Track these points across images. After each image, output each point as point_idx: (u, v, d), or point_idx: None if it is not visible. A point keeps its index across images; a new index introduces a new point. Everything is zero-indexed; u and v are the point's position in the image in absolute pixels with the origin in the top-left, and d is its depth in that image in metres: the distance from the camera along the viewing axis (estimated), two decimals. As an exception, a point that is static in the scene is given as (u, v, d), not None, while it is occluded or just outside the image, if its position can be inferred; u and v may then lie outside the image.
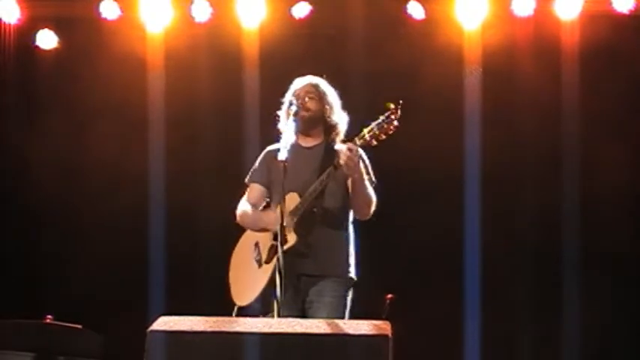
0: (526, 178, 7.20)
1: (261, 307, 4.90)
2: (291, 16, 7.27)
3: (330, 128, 5.15)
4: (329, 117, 5.13)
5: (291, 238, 4.82)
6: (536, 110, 7.12)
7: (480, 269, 6.93)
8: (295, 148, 4.87)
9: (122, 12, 7.35)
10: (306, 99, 5.09)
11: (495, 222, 7.06)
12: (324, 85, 5.21)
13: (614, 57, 7.06)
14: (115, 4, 7.33)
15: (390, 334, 3.90)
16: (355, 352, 3.86)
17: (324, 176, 4.87)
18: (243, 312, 4.98)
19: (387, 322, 4.03)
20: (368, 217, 5.04)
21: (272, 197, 5.14)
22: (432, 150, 7.06)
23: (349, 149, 4.75)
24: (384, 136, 4.78)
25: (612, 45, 6.98)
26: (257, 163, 5.22)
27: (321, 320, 4.44)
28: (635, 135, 7.15)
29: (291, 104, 5.06)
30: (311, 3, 7.24)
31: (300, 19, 7.26)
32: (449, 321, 6.91)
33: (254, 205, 5.16)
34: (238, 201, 5.31)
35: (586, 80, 6.95)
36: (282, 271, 4.47)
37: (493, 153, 7.03)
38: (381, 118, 4.79)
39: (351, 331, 3.93)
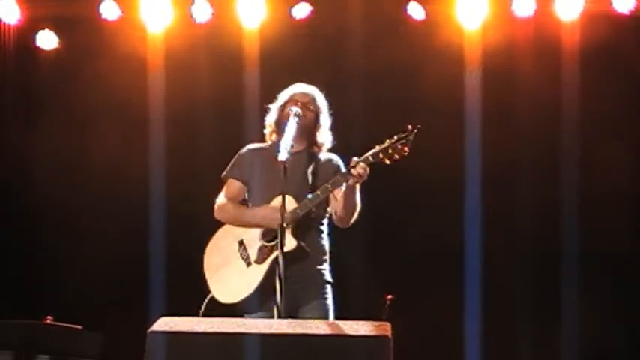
0: (526, 178, 7.20)
1: (249, 306, 4.90)
2: (291, 16, 7.27)
3: (314, 143, 5.17)
4: (318, 133, 5.16)
5: (290, 242, 4.83)
6: (537, 110, 7.13)
7: (480, 269, 6.93)
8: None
9: (122, 12, 7.35)
10: (306, 107, 5.08)
11: (495, 222, 7.06)
12: (322, 101, 5.21)
13: (614, 57, 7.06)
14: (116, 4, 7.33)
15: (390, 335, 3.90)
16: (356, 352, 3.86)
17: (329, 185, 4.87)
18: (220, 308, 4.93)
19: (388, 323, 4.04)
20: (349, 226, 5.06)
21: (251, 195, 5.13)
22: (432, 150, 7.06)
23: (360, 166, 4.77)
24: (397, 157, 4.80)
25: (612, 45, 6.99)
26: (237, 160, 5.20)
27: (321, 321, 4.46)
28: (635, 135, 7.16)
29: (287, 104, 5.08)
30: (311, 4, 7.24)
31: (301, 20, 7.27)
32: (449, 321, 6.91)
33: (232, 201, 5.14)
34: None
35: (586, 81, 6.95)
36: (283, 274, 4.48)
37: (493, 153, 7.03)
38: (396, 137, 4.81)
39: (351, 332, 3.93)
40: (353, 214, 4.99)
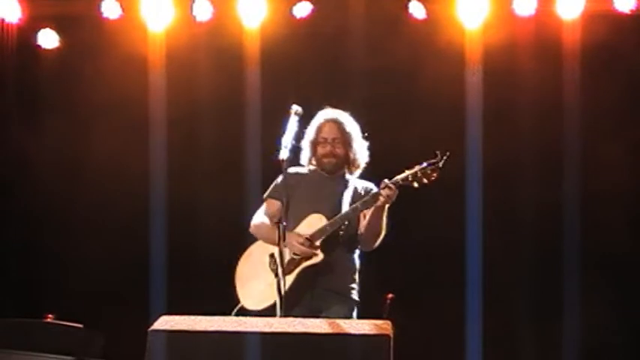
0: (527, 177, 7.20)
1: (273, 315, 4.95)
2: (292, 15, 7.26)
3: (351, 165, 5.43)
4: (354, 157, 5.41)
5: (318, 256, 5.10)
6: (538, 110, 7.12)
7: (482, 268, 6.92)
8: (317, 174, 5.34)
9: (123, 11, 7.34)
10: (334, 145, 5.35)
11: (497, 221, 7.05)
12: (349, 123, 5.42)
13: (615, 56, 7.05)
14: (116, 3, 7.31)
15: (390, 334, 3.90)
16: (356, 351, 3.86)
17: (359, 205, 5.14)
18: (246, 314, 5.05)
19: (388, 322, 4.04)
20: (372, 249, 5.32)
21: (289, 215, 5.23)
22: (433, 149, 7.04)
23: (389, 187, 5.05)
24: (425, 181, 5.05)
25: (613, 45, 6.98)
26: (278, 182, 5.35)
27: (322, 320, 4.47)
28: (636, 133, 7.15)
29: (318, 143, 5.37)
30: (312, 2, 7.23)
31: (302, 19, 7.26)
32: (450, 320, 6.91)
33: (270, 220, 5.34)
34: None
35: (587, 80, 6.94)
36: (282, 270, 4.68)
37: (494, 151, 7.03)
38: (425, 163, 5.06)
39: (352, 331, 3.94)
40: (377, 237, 5.25)
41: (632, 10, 6.96)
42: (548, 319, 7.03)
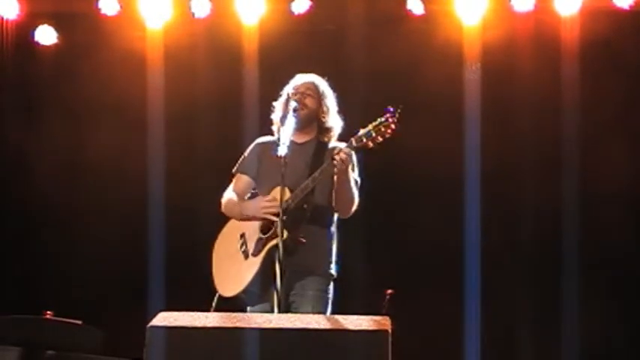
0: (526, 176, 7.20)
1: (248, 299, 4.91)
2: (290, 12, 7.27)
3: (323, 129, 5.14)
4: (324, 118, 5.12)
5: (283, 234, 4.73)
6: (536, 106, 7.12)
7: (480, 266, 6.93)
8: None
9: (121, 8, 7.35)
10: (305, 95, 5.08)
11: (495, 219, 7.06)
12: (324, 86, 5.20)
13: (614, 53, 7.05)
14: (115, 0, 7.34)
15: (389, 330, 3.90)
16: (355, 347, 3.86)
17: (317, 174, 4.84)
18: (226, 302, 4.95)
19: (387, 318, 4.03)
20: (348, 216, 5.02)
21: (259, 190, 5.12)
22: (431, 147, 7.05)
23: (342, 151, 4.75)
24: (380, 139, 4.76)
25: (612, 41, 6.98)
26: (246, 154, 5.21)
27: (321, 315, 4.46)
28: (635, 130, 7.15)
29: (289, 99, 5.08)
30: (310, -1, 7.25)
31: (300, 15, 7.27)
32: (449, 317, 6.91)
33: (239, 195, 5.14)
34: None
35: (586, 76, 6.94)
36: (280, 264, 4.51)
37: (493, 150, 7.03)
38: (379, 120, 4.77)
39: (351, 327, 3.93)
40: (350, 205, 4.95)
41: (631, 6, 6.96)
42: (547, 319, 7.03)
